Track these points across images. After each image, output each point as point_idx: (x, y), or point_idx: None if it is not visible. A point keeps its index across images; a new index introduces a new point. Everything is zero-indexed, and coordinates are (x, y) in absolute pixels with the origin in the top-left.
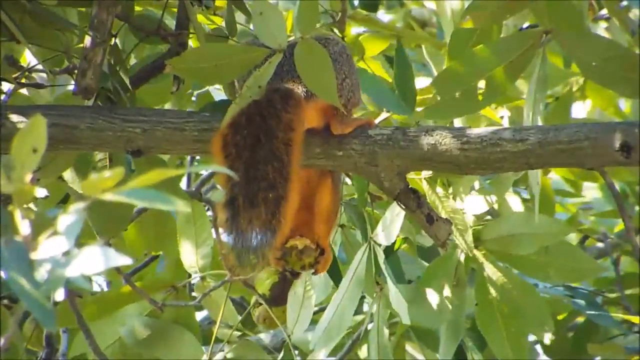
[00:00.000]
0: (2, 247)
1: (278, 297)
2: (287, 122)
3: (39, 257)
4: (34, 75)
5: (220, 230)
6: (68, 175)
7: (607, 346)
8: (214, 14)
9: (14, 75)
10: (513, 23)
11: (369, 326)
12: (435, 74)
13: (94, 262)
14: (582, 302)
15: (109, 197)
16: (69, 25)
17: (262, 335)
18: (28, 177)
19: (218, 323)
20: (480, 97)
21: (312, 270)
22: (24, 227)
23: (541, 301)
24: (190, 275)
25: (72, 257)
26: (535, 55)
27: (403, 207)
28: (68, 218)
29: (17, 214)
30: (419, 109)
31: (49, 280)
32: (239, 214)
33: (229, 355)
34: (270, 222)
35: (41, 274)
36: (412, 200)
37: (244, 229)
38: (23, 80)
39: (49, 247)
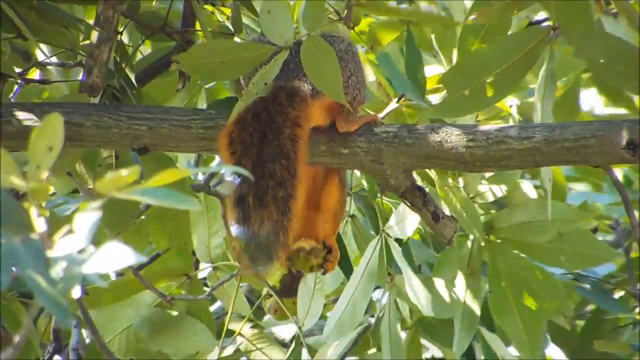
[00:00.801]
0: (18, 245)
1: (289, 288)
2: (294, 118)
3: (55, 254)
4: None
5: (232, 225)
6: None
7: (614, 344)
8: (224, 5)
9: (18, 71)
10: (526, 14)
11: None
12: (444, 62)
13: (110, 260)
14: (590, 290)
15: (123, 195)
16: (75, 21)
17: (276, 327)
18: (44, 175)
19: (230, 314)
20: (489, 92)
21: (322, 271)
22: (39, 225)
23: (559, 286)
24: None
25: (88, 255)
26: (543, 52)
27: (409, 204)
28: (84, 216)
29: (33, 212)
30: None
31: (65, 277)
32: (250, 214)
33: (241, 347)
34: (281, 222)
35: (57, 271)
36: (418, 197)
37: (255, 230)
38: (31, 76)
39: (65, 245)
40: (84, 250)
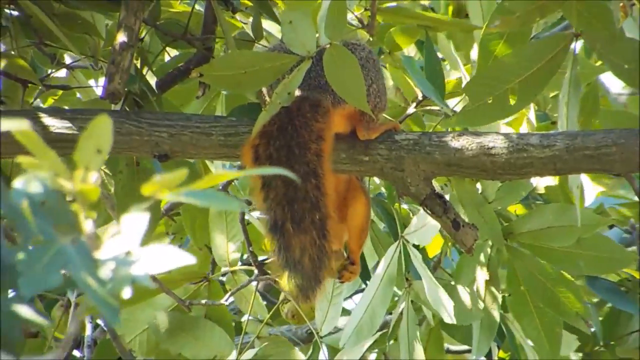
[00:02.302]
0: (68, 246)
1: None
2: (318, 131)
3: (104, 256)
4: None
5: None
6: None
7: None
8: (245, 10)
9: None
10: (543, 20)
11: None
12: (462, 67)
13: (159, 262)
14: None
15: (169, 197)
16: (104, 10)
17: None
18: (92, 177)
19: (247, 318)
20: (512, 99)
21: (338, 277)
22: (87, 226)
23: (579, 291)
24: (215, 265)
25: (137, 256)
26: (566, 58)
27: (429, 212)
28: (131, 217)
29: (82, 214)
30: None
31: (114, 278)
32: (290, 241)
33: (260, 352)
34: (323, 246)
35: (105, 272)
36: (438, 205)
37: (298, 259)
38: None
39: (112, 246)
40: (130, 251)
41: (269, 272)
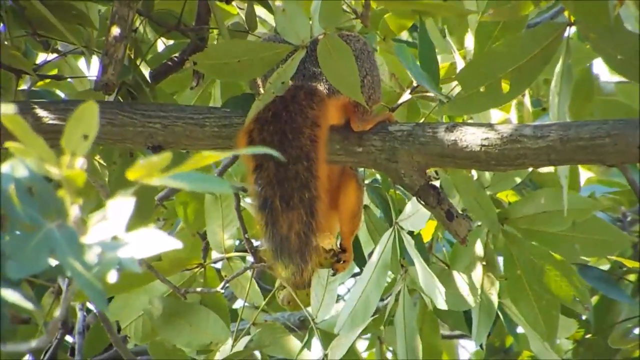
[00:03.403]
0: (54, 231)
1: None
2: (313, 118)
3: (90, 240)
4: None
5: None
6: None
7: (629, 339)
8: None
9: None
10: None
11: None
12: (456, 51)
13: (146, 246)
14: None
15: (155, 182)
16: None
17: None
18: (79, 163)
19: (243, 305)
20: (505, 88)
21: (332, 270)
22: (74, 212)
23: (575, 274)
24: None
25: (123, 241)
26: (559, 47)
27: (423, 203)
28: (117, 203)
29: (68, 199)
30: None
31: (101, 262)
32: (277, 217)
33: (255, 339)
34: (310, 224)
35: (92, 256)
36: (432, 196)
37: (285, 235)
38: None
39: (99, 231)
40: (117, 236)
41: (264, 258)
